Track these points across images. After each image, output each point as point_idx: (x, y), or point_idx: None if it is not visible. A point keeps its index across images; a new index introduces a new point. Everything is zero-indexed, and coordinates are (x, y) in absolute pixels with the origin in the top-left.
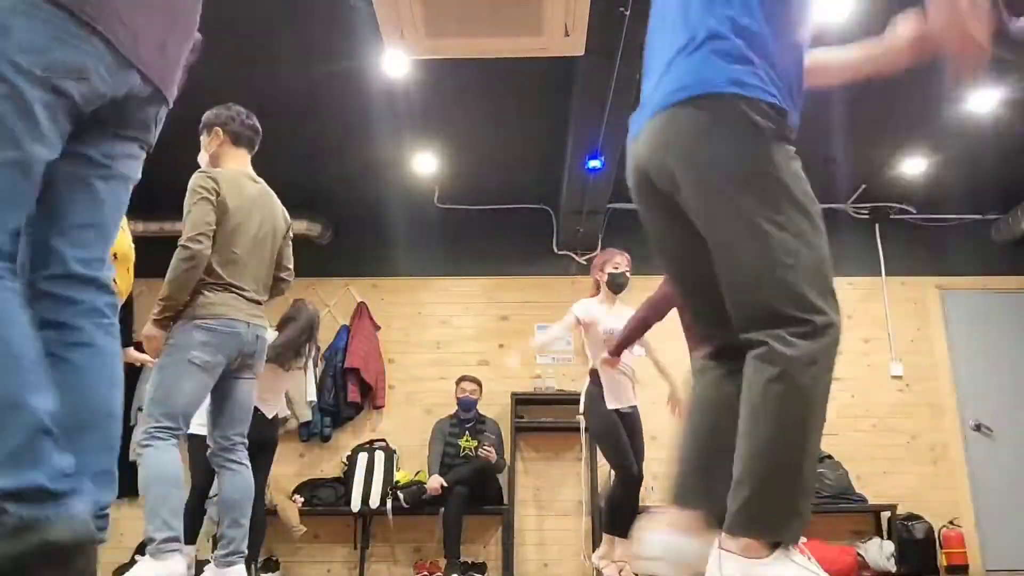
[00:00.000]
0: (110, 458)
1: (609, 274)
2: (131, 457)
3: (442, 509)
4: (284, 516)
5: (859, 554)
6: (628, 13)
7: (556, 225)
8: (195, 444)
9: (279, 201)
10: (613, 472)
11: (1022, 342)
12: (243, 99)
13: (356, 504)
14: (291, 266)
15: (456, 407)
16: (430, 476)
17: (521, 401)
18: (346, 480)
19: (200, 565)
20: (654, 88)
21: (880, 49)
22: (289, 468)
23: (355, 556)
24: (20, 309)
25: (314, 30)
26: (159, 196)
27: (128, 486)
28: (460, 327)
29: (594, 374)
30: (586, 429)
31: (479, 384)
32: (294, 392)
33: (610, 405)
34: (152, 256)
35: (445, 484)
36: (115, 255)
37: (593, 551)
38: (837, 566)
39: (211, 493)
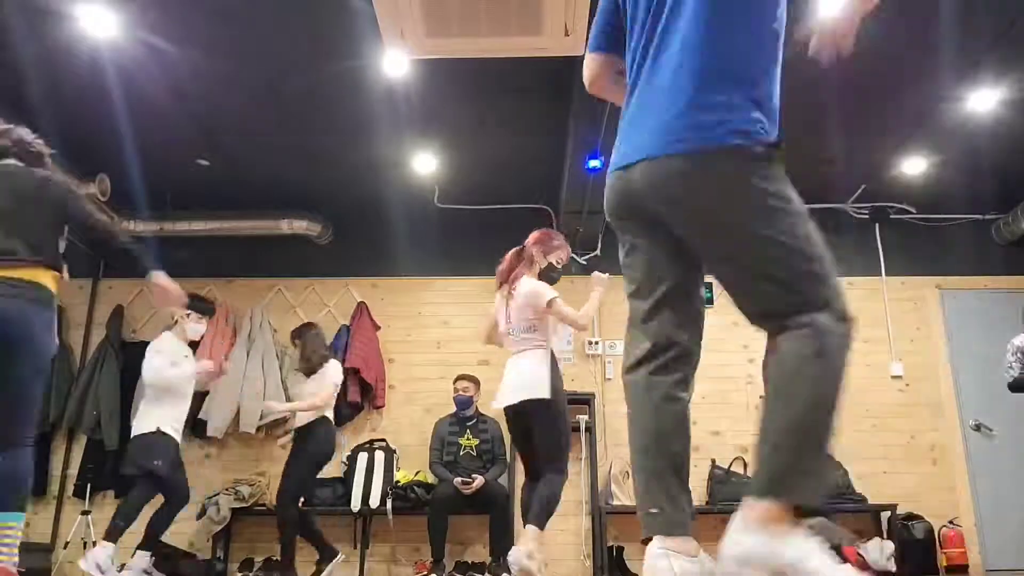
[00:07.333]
0: None
1: (551, 264)
2: None
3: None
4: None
5: (859, 554)
6: None
7: (556, 225)
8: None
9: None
10: (564, 465)
11: None
12: (243, 99)
13: (356, 504)
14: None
15: (455, 407)
16: (437, 479)
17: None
18: (346, 480)
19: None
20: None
21: None
22: None
23: (355, 556)
24: None
25: (314, 30)
26: (160, 196)
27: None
28: (460, 327)
29: (553, 356)
30: (555, 412)
31: (475, 382)
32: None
33: None
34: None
35: (468, 480)
36: None
37: (593, 551)
38: None
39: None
